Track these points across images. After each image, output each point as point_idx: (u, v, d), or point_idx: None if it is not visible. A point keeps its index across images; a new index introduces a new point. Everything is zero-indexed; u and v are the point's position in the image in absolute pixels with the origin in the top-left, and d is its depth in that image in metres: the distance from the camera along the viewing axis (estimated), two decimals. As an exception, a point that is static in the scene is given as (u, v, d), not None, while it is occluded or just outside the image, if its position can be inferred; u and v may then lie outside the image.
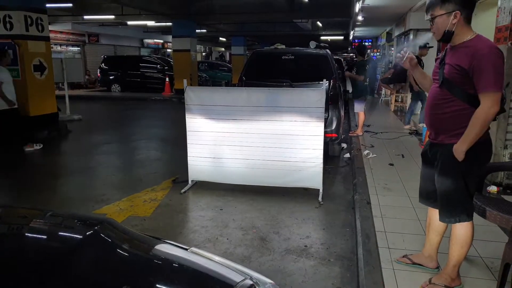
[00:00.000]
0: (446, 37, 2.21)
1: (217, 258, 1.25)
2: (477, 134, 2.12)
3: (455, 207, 2.31)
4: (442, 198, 2.35)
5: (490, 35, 4.64)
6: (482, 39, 2.17)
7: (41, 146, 6.84)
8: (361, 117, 7.37)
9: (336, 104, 5.80)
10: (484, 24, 5.71)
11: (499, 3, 4.45)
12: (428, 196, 2.55)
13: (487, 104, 2.08)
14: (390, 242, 3.08)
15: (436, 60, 2.42)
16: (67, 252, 1.15)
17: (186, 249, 1.27)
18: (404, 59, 2.39)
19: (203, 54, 34.82)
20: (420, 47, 7.52)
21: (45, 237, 1.30)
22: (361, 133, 7.27)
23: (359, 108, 7.37)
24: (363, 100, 7.38)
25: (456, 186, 2.26)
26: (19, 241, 1.31)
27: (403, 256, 2.78)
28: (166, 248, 1.23)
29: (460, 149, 2.17)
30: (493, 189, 4.26)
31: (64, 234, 1.34)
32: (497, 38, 4.48)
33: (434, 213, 2.52)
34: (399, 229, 3.33)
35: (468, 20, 2.19)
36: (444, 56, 2.30)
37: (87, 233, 1.22)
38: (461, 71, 2.14)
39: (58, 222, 1.42)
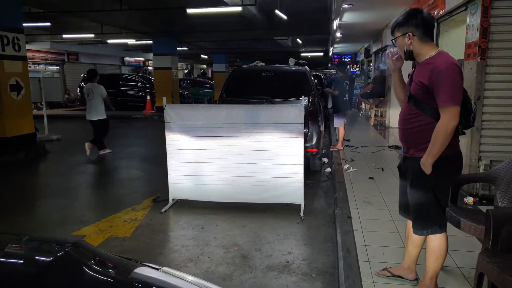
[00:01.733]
0: (407, 56, 2.36)
1: (190, 277, 1.24)
2: (439, 148, 2.19)
3: (426, 219, 2.37)
4: (413, 210, 2.41)
5: (462, 51, 4.84)
6: (442, 55, 2.26)
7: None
8: (341, 132, 7.50)
9: (316, 119, 5.88)
10: (456, 40, 5.93)
11: (467, 20, 4.65)
12: (405, 209, 2.60)
13: (446, 118, 2.16)
14: (370, 256, 3.11)
15: (408, 75, 2.52)
16: (36, 275, 1.13)
17: (158, 269, 1.26)
18: (395, 56, 2.43)
19: (185, 71, 34.91)
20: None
21: (13, 260, 1.26)
22: (342, 148, 7.38)
23: (338, 123, 7.51)
24: (342, 115, 7.52)
25: (426, 199, 2.32)
26: None
27: (383, 269, 2.80)
28: (138, 269, 1.22)
29: (426, 163, 2.25)
30: (469, 200, 4.36)
31: (34, 256, 1.30)
32: (467, 54, 4.66)
33: (411, 224, 2.57)
34: (379, 242, 3.36)
35: (426, 39, 2.30)
36: (412, 73, 2.40)
37: (57, 255, 1.20)
38: (423, 87, 2.24)
39: (27, 245, 1.38)
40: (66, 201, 5.13)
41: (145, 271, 1.23)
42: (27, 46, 14.64)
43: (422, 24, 2.29)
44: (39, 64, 19.63)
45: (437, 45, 6.33)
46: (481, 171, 4.41)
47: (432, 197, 2.31)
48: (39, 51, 19.05)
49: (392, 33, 2.40)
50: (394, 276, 2.72)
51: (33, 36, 15.16)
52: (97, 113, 7.62)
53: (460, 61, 5.03)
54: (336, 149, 7.35)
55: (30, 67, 18.36)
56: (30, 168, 7.18)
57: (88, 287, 1.12)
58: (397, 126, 2.59)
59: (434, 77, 2.17)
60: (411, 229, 2.59)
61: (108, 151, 7.94)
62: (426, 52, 2.30)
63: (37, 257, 1.29)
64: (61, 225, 4.23)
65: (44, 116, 10.00)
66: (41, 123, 9.55)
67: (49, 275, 1.11)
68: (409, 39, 2.29)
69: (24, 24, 7.90)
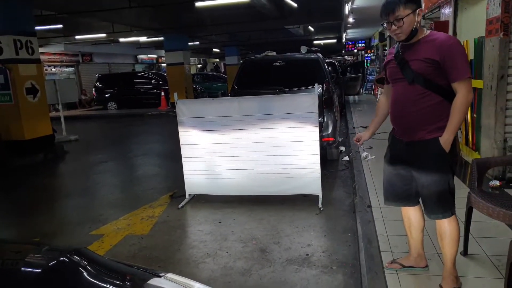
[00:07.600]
0: (411, 36, 2.20)
1: (197, 284, 1.17)
2: (460, 123, 2.17)
3: (447, 200, 2.27)
4: (432, 195, 2.28)
5: (481, 29, 4.61)
6: (440, 32, 2.25)
7: None
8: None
9: (331, 107, 5.74)
10: (476, 17, 5.66)
11: (487, -5, 4.41)
12: (398, 197, 2.49)
13: (466, 90, 2.12)
14: (392, 245, 3.01)
15: (387, 62, 2.40)
16: (33, 283, 1.08)
17: (160, 276, 1.19)
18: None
19: (199, 66, 34.92)
20: None
21: (9, 267, 1.22)
22: None
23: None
24: None
25: (446, 179, 2.24)
26: None
27: (392, 262, 2.69)
28: (140, 276, 1.16)
29: (448, 140, 2.17)
30: (495, 183, 4.18)
31: (30, 264, 1.26)
32: (489, 31, 4.43)
33: (412, 211, 2.51)
34: (401, 231, 3.20)
35: None
36: (399, 55, 2.27)
37: (53, 263, 1.15)
38: (433, 63, 2.14)
39: (26, 252, 1.35)
40: (84, 200, 5.18)
41: (148, 279, 1.16)
42: (42, 49, 14.83)
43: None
44: (55, 66, 19.91)
45: (455, 23, 6.11)
46: (508, 153, 4.22)
47: (450, 176, 2.25)
48: (54, 54, 19.31)
49: (395, 11, 2.13)
50: (405, 267, 2.61)
51: (47, 39, 15.35)
52: None
53: (480, 38, 4.80)
54: None
55: (46, 69, 18.69)
56: (49, 169, 7.29)
57: None
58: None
59: (444, 52, 2.10)
60: (411, 216, 2.53)
61: None
62: (421, 31, 2.23)
63: (33, 264, 1.25)
64: (80, 224, 4.25)
65: (61, 117, 10.14)
66: (58, 125, 9.69)
67: (47, 280, 1.07)
68: (419, 15, 2.17)
69: (37, 28, 7.96)
